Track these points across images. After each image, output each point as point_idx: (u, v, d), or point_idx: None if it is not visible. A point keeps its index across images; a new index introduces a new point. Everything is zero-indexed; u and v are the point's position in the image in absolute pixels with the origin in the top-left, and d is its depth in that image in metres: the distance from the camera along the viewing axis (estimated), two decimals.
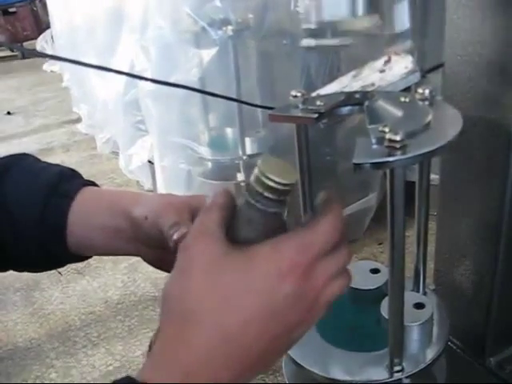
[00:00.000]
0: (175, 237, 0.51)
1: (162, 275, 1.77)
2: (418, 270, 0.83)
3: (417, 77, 0.83)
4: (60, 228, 0.57)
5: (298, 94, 0.71)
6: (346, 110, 0.71)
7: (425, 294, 0.84)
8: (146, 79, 1.33)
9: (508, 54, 0.74)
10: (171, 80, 1.46)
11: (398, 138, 0.55)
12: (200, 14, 1.39)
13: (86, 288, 1.83)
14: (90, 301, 1.77)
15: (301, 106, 0.70)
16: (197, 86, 1.46)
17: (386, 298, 0.74)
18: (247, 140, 1.52)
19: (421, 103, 0.68)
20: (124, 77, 1.84)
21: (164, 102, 1.57)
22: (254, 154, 1.51)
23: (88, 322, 1.66)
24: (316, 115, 0.67)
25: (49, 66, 5.07)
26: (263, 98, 1.52)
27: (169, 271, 0.44)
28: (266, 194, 0.41)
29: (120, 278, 1.85)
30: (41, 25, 6.17)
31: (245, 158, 1.52)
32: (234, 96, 1.41)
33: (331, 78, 1.04)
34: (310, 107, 0.69)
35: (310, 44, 1.38)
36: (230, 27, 1.35)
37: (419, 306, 0.78)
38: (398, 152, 0.55)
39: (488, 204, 0.84)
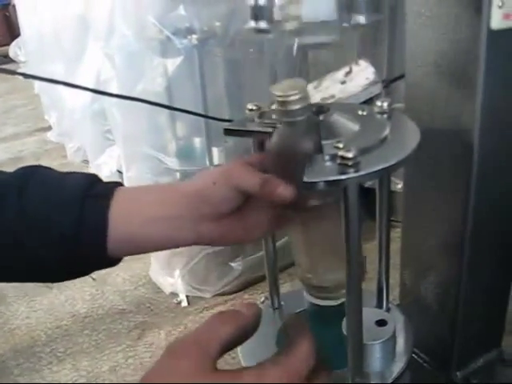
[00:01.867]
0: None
1: (130, 287, 1.74)
2: (381, 284, 0.81)
3: (378, 88, 0.81)
4: (100, 230, 0.54)
5: (254, 108, 0.69)
6: None
7: (388, 310, 0.82)
8: (111, 95, 1.32)
9: (468, 65, 0.73)
10: (137, 89, 1.44)
11: (350, 155, 0.53)
12: (165, 22, 1.37)
13: (53, 301, 1.79)
14: (56, 315, 1.73)
15: (257, 119, 0.68)
16: (163, 96, 1.45)
17: None
18: (214, 150, 1.51)
19: (379, 116, 0.67)
20: (91, 84, 1.81)
21: (130, 112, 1.54)
22: (221, 164, 1.49)
23: (54, 337, 1.62)
24: (271, 129, 0.65)
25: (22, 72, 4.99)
26: (231, 106, 1.51)
27: (235, 241, 0.52)
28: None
29: (88, 290, 1.81)
30: (13, 31, 6.09)
31: (212, 167, 1.50)
32: (200, 105, 1.39)
33: None
34: (266, 121, 0.67)
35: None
36: (194, 36, 1.33)
37: (381, 323, 0.76)
38: (351, 170, 0.53)
39: (451, 215, 0.83)
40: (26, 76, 1.06)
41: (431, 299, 0.91)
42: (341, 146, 0.54)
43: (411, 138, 0.62)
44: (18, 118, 4.03)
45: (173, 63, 1.41)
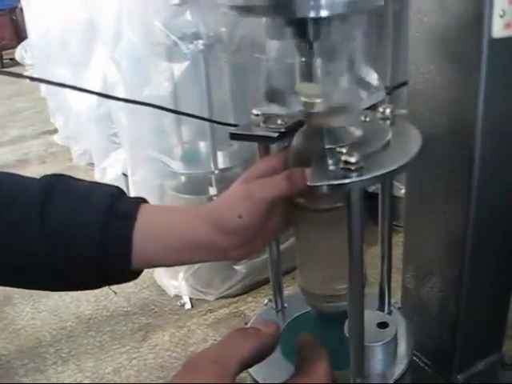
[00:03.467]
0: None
1: (135, 289, 1.75)
2: (383, 287, 0.82)
3: (382, 95, 0.82)
4: (124, 252, 0.54)
5: (259, 113, 0.70)
6: None
7: (390, 312, 0.83)
8: (118, 99, 1.33)
9: (469, 73, 0.74)
10: (143, 93, 1.46)
11: (353, 159, 0.54)
12: (171, 27, 1.38)
13: (58, 303, 1.81)
14: (61, 316, 1.74)
15: (262, 124, 0.70)
16: (169, 100, 1.46)
17: None
18: (219, 154, 1.52)
19: (382, 122, 0.68)
20: (97, 88, 1.83)
21: (136, 115, 1.55)
22: (226, 168, 1.50)
23: (59, 338, 1.64)
24: (276, 134, 0.67)
25: (28, 75, 5.02)
26: (236, 111, 1.52)
27: (257, 252, 0.53)
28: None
29: (93, 292, 1.82)
30: (20, 34, 6.12)
31: (217, 171, 1.51)
32: (205, 109, 1.40)
33: None
34: (271, 126, 0.69)
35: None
36: (200, 41, 1.35)
37: (383, 325, 0.77)
38: (354, 174, 0.54)
39: (453, 219, 0.84)
40: (32, 79, 1.08)
41: (433, 302, 0.92)
42: (344, 150, 0.56)
43: (413, 143, 0.63)
44: (24, 121, 4.05)
45: (179, 68, 1.43)
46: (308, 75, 0.58)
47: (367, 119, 0.69)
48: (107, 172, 2.04)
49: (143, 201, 0.58)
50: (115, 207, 0.54)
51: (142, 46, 1.48)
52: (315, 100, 0.56)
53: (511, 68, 0.72)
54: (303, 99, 0.57)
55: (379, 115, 0.69)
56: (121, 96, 1.56)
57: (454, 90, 0.76)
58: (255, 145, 0.72)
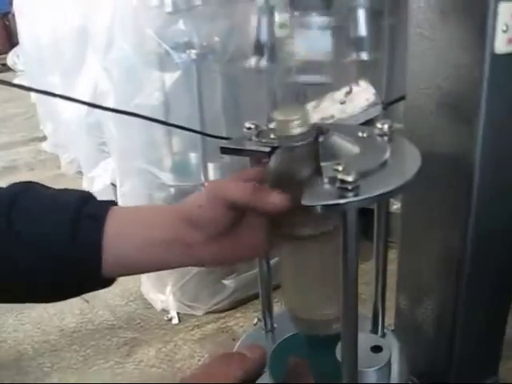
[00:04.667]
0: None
1: (121, 303, 1.71)
2: (377, 309, 0.79)
3: (378, 109, 0.80)
4: (94, 253, 0.53)
5: (252, 126, 0.68)
6: None
7: (384, 335, 0.80)
8: (107, 109, 1.30)
9: (470, 88, 0.72)
10: (134, 102, 1.43)
11: (350, 178, 0.52)
12: (164, 36, 1.36)
13: (42, 315, 1.76)
14: (44, 329, 1.70)
15: (254, 138, 0.67)
16: (159, 110, 1.44)
17: None
18: (210, 166, 1.49)
19: (379, 138, 0.66)
20: (87, 96, 1.80)
21: (126, 125, 1.52)
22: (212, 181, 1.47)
23: (42, 352, 1.59)
24: (268, 149, 0.64)
25: (19, 81, 4.98)
26: (228, 123, 1.50)
27: (228, 262, 0.54)
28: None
29: (77, 305, 1.78)
30: (12, 39, 6.08)
31: (207, 183, 1.47)
32: (197, 120, 1.38)
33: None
34: (264, 140, 0.66)
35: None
36: (193, 51, 1.32)
37: (377, 349, 0.74)
38: (350, 194, 0.52)
39: (450, 241, 0.82)
40: (21, 88, 1.05)
41: (428, 323, 0.90)
42: (340, 168, 0.53)
43: (412, 162, 0.60)
44: (13, 127, 4.01)
45: (171, 78, 1.40)
46: None
47: (364, 135, 0.66)
48: (95, 181, 2.00)
49: (113, 203, 0.58)
50: (84, 208, 0.54)
51: (134, 55, 1.45)
52: (293, 120, 0.54)
53: None
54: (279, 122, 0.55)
55: (377, 131, 0.66)
56: (111, 105, 1.53)
57: (454, 106, 0.74)
58: (247, 158, 0.70)
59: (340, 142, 0.62)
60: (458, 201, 0.78)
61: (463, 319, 0.86)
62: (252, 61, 0.97)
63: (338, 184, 0.52)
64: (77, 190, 0.58)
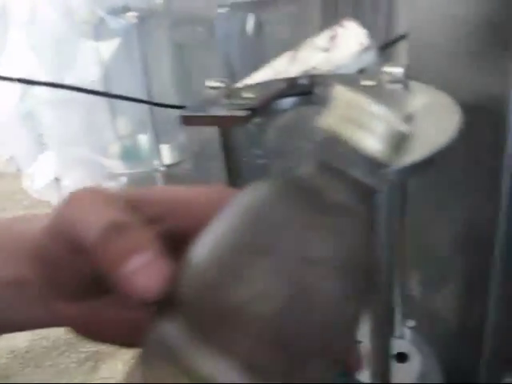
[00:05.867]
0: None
1: None
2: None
3: (372, 55, 0.64)
4: None
5: (219, 85, 0.50)
6: (287, 102, 0.51)
7: (402, 335, 0.65)
8: (40, 83, 1.12)
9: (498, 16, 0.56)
10: (66, 80, 1.24)
11: None
12: (96, 1, 1.17)
13: None
14: None
15: (224, 100, 0.49)
16: (98, 86, 1.25)
17: None
18: (164, 147, 1.36)
19: (391, 86, 0.49)
20: (19, 84, 1.60)
21: (63, 110, 1.35)
22: (172, 164, 1.35)
23: None
24: (246, 112, 0.46)
25: None
26: (180, 95, 1.33)
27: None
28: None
29: None
30: None
31: (162, 168, 1.35)
32: (143, 95, 1.21)
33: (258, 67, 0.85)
34: (237, 102, 0.49)
35: None
36: (133, 14, 1.14)
37: (401, 357, 0.59)
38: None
39: (476, 216, 0.67)
40: None
41: (448, 314, 0.76)
42: None
43: (447, 112, 0.44)
44: None
45: (108, 47, 1.22)
46: None
47: (370, 83, 0.50)
48: (36, 178, 1.81)
49: None
50: None
51: (63, 26, 1.26)
52: None
53: None
54: None
55: (386, 77, 0.50)
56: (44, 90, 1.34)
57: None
58: (210, 131, 0.52)
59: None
60: (487, 159, 0.63)
61: (495, 305, 0.72)
62: None
63: None
64: None
